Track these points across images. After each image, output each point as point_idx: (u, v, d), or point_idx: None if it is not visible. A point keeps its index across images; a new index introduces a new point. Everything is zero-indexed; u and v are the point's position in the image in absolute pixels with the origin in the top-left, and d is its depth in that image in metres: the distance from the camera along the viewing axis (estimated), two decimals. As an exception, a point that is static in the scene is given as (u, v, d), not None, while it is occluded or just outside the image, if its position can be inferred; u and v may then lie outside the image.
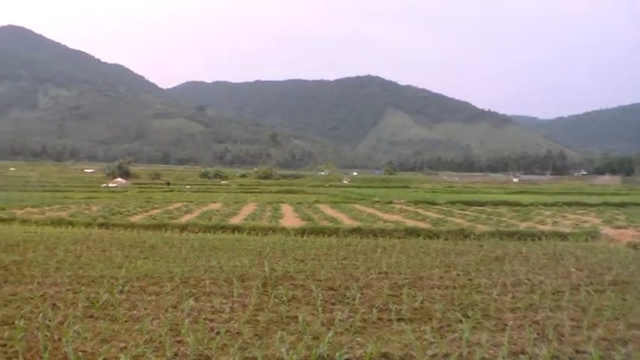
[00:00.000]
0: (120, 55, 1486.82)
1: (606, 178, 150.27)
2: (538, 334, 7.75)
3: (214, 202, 39.84)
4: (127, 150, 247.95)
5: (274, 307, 8.98)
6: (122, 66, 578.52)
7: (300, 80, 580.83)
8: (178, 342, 7.08)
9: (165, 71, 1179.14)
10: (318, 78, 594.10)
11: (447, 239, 20.57)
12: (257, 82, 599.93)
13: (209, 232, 22.05)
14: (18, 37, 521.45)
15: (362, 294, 10.01)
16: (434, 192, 64.27)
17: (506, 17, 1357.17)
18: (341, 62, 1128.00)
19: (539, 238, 20.82)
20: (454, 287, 10.90)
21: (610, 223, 27.01)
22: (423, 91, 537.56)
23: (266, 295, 9.89)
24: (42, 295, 9.64)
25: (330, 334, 7.26)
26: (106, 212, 29.04)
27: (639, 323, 8.37)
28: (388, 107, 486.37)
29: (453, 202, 41.08)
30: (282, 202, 40.59)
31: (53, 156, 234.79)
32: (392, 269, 12.80)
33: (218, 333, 7.39)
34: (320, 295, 9.61)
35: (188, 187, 72.36)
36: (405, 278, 11.73)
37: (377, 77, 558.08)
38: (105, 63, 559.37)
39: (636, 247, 18.43)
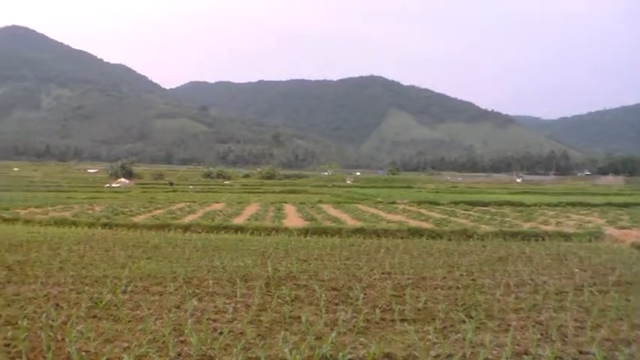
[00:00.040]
0: (123, 55, 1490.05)
1: (610, 179, 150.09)
2: (541, 334, 7.74)
3: (217, 203, 39.87)
4: (130, 150, 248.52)
5: (277, 307, 8.98)
6: (125, 66, 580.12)
7: (303, 80, 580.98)
8: (181, 342, 7.07)
9: (168, 71, 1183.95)
10: (321, 78, 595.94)
11: (450, 239, 20.54)
12: (260, 82, 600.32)
13: (212, 232, 22.06)
14: (21, 37, 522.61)
15: (365, 294, 10.00)
16: (437, 192, 64.23)
17: (509, 17, 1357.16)
18: (344, 62, 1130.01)
19: (543, 239, 20.78)
20: (457, 288, 10.88)
21: (614, 223, 26.96)
22: (426, 91, 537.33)
23: (269, 295, 9.88)
24: (45, 295, 9.65)
25: (334, 334, 7.25)
26: (109, 212, 29.06)
27: (643, 324, 8.34)
28: (391, 107, 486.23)
29: (456, 203, 41.04)
30: (285, 203, 40.62)
31: (56, 156, 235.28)
32: (395, 269, 12.79)
33: (221, 333, 7.39)
34: (323, 295, 9.59)
35: (191, 187, 72.43)
36: (408, 278, 11.72)
37: (380, 77, 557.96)
38: (108, 63, 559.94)
39: (640, 248, 18.39)
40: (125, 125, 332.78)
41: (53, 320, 7.86)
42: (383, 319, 8.44)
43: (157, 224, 23.78)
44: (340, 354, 6.51)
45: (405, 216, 30.07)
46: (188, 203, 38.22)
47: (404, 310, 8.93)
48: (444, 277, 11.96)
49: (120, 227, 23.12)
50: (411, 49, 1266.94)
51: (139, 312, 8.58)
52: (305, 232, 22.05)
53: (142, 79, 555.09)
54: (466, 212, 32.98)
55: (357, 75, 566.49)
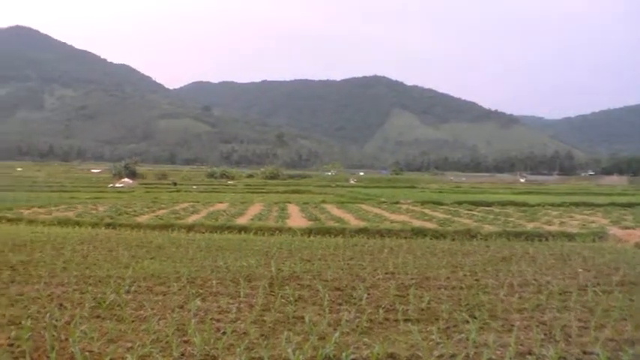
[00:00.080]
0: (126, 55, 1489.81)
1: (614, 179, 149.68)
2: (545, 334, 7.72)
3: (221, 203, 39.89)
4: (133, 150, 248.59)
5: (281, 307, 8.98)
6: (128, 66, 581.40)
7: (306, 80, 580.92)
8: (185, 342, 7.08)
9: (171, 71, 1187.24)
10: (324, 78, 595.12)
11: (453, 239, 20.53)
12: (263, 82, 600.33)
13: (216, 232, 22.09)
14: (24, 37, 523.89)
15: (368, 294, 10.00)
16: (440, 192, 64.14)
17: (512, 17, 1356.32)
18: (347, 62, 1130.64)
19: (547, 239, 20.75)
20: (461, 288, 10.87)
21: (617, 223, 26.90)
22: (430, 91, 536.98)
23: (272, 295, 9.89)
24: (49, 295, 9.67)
25: (337, 334, 7.24)
26: (112, 212, 29.10)
27: (647, 324, 8.32)
28: (395, 107, 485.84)
29: (459, 203, 41.00)
30: (289, 203, 40.61)
31: (60, 156, 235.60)
32: (398, 269, 12.78)
33: (224, 333, 7.40)
34: (326, 295, 9.59)
35: (195, 187, 72.46)
36: (412, 279, 11.71)
37: (383, 77, 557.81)
38: (111, 63, 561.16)
39: (644, 248, 18.35)
40: (128, 125, 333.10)
41: (57, 320, 7.88)
42: (386, 319, 8.44)
43: (160, 224, 23.81)
44: (343, 354, 6.50)
45: (409, 216, 30.06)
46: (191, 203, 38.25)
47: (407, 310, 8.93)
48: (448, 277, 11.95)
49: (123, 227, 23.16)
50: (415, 49, 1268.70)
51: (142, 312, 8.59)
52: (308, 232, 22.06)
53: (146, 79, 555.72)
54: (470, 212, 32.95)
55: (360, 75, 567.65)
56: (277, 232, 21.90)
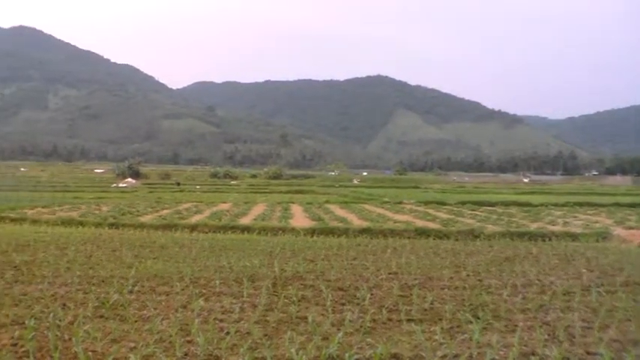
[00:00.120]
0: (129, 55, 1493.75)
1: (617, 179, 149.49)
2: (549, 335, 7.69)
3: (224, 203, 39.95)
4: (136, 150, 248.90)
5: (284, 307, 8.97)
6: (132, 66, 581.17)
7: (310, 80, 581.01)
8: (188, 342, 7.07)
9: (174, 71, 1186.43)
10: (328, 78, 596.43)
11: (457, 240, 20.53)
12: (267, 82, 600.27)
13: (219, 232, 22.13)
14: (28, 37, 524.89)
15: (372, 294, 9.98)
16: (444, 192, 64.17)
17: (513, 17, 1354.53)
18: (351, 62, 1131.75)
19: (550, 239, 20.73)
20: (464, 288, 10.84)
21: (621, 223, 26.87)
22: (433, 91, 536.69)
23: (276, 295, 9.88)
24: (52, 295, 9.67)
25: (340, 334, 7.22)
26: (116, 212, 29.16)
27: (651, 325, 8.29)
28: (398, 107, 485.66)
29: (463, 203, 41.00)
30: (292, 203, 40.66)
31: (64, 156, 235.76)
32: (402, 270, 12.76)
33: (228, 333, 7.39)
34: (330, 295, 9.58)
35: (198, 187, 72.63)
36: (415, 279, 11.69)
37: (387, 77, 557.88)
38: (115, 63, 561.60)
39: (648, 248, 18.30)
40: (132, 125, 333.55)
41: (60, 320, 7.88)
42: (389, 320, 8.42)
43: (163, 224, 23.86)
44: (347, 354, 6.48)
45: (412, 216, 30.04)
46: (195, 203, 38.31)
47: (410, 310, 8.91)
48: (451, 278, 11.92)
49: (127, 227, 23.21)
50: (418, 48, 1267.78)
51: (145, 312, 8.58)
52: (312, 232, 22.08)
53: (149, 79, 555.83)
54: (473, 212, 32.93)
55: (364, 75, 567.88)
56: (280, 232, 21.92)
